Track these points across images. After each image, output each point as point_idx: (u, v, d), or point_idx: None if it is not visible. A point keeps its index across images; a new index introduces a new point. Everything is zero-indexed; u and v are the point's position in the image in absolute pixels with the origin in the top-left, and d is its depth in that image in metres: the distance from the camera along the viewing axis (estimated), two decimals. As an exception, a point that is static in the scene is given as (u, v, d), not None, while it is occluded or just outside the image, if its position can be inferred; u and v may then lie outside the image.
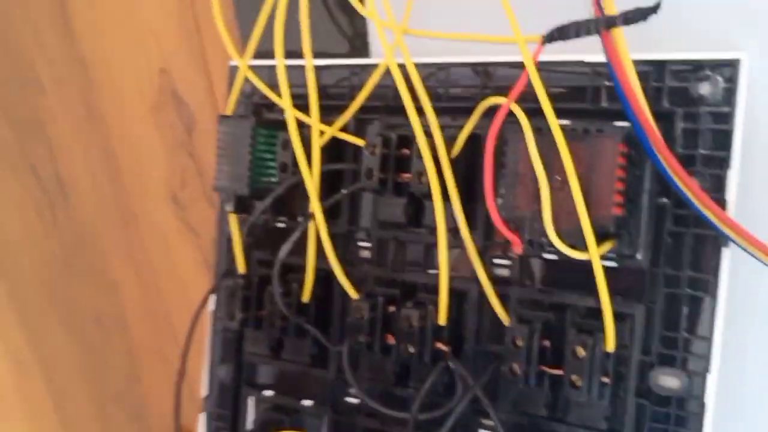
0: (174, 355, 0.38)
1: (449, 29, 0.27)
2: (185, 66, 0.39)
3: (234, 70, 0.35)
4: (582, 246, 0.24)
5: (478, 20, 0.27)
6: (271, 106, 0.33)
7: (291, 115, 0.31)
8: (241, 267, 0.34)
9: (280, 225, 0.34)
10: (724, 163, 0.25)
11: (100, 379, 0.46)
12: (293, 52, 0.31)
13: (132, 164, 0.43)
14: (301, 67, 0.31)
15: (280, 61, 0.31)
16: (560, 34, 0.24)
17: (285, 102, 0.31)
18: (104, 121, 0.43)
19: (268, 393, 0.35)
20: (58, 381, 0.45)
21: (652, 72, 0.26)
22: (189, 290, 0.45)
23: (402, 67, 0.29)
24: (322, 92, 0.32)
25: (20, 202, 0.43)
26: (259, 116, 0.33)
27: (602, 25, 0.22)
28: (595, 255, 0.24)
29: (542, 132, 0.25)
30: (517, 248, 0.25)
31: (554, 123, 0.24)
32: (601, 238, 0.25)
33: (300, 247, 0.31)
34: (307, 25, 0.30)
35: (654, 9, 0.22)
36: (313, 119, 0.31)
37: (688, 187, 0.24)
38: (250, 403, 0.35)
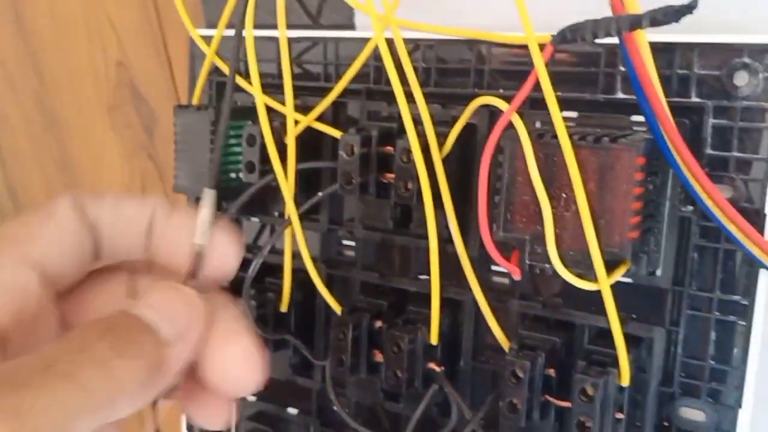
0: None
1: (449, 19, 0.22)
2: (144, 58, 0.34)
3: (195, 49, 0.30)
4: (591, 274, 0.21)
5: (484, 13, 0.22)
6: (239, 90, 0.29)
7: (261, 103, 0.26)
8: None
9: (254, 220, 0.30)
10: (762, 168, 0.21)
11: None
12: (262, 25, 0.27)
13: (89, 170, 0.39)
14: (273, 40, 0.27)
15: (249, 33, 0.26)
16: (573, 34, 0.19)
17: (255, 90, 0.27)
18: (58, 124, 0.38)
19: (252, 399, 0.32)
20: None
21: (677, 57, 0.22)
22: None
23: (390, 42, 0.24)
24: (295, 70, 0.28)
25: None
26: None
27: (625, 25, 0.18)
28: (606, 287, 0.21)
29: (545, 139, 0.21)
30: (516, 275, 0.22)
31: (562, 131, 0.20)
32: (613, 264, 0.21)
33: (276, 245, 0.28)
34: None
35: (690, 8, 0.17)
36: (288, 108, 0.27)
37: (710, 196, 0.20)
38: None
